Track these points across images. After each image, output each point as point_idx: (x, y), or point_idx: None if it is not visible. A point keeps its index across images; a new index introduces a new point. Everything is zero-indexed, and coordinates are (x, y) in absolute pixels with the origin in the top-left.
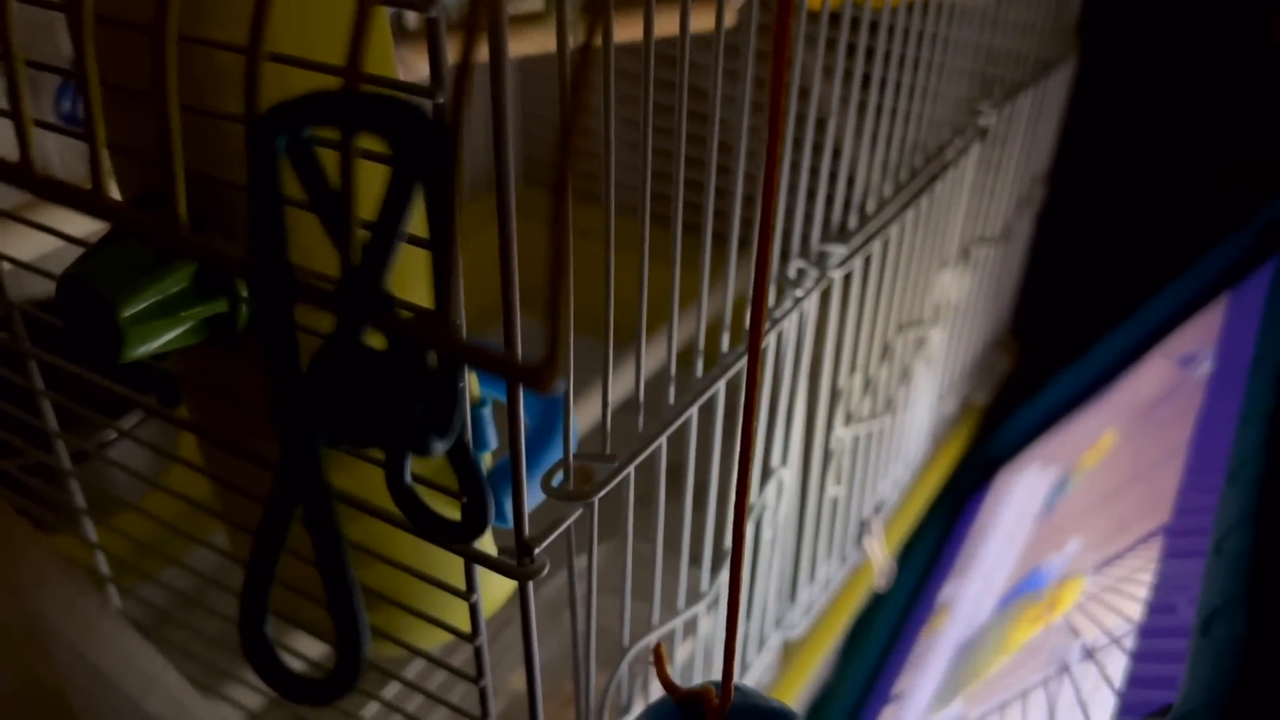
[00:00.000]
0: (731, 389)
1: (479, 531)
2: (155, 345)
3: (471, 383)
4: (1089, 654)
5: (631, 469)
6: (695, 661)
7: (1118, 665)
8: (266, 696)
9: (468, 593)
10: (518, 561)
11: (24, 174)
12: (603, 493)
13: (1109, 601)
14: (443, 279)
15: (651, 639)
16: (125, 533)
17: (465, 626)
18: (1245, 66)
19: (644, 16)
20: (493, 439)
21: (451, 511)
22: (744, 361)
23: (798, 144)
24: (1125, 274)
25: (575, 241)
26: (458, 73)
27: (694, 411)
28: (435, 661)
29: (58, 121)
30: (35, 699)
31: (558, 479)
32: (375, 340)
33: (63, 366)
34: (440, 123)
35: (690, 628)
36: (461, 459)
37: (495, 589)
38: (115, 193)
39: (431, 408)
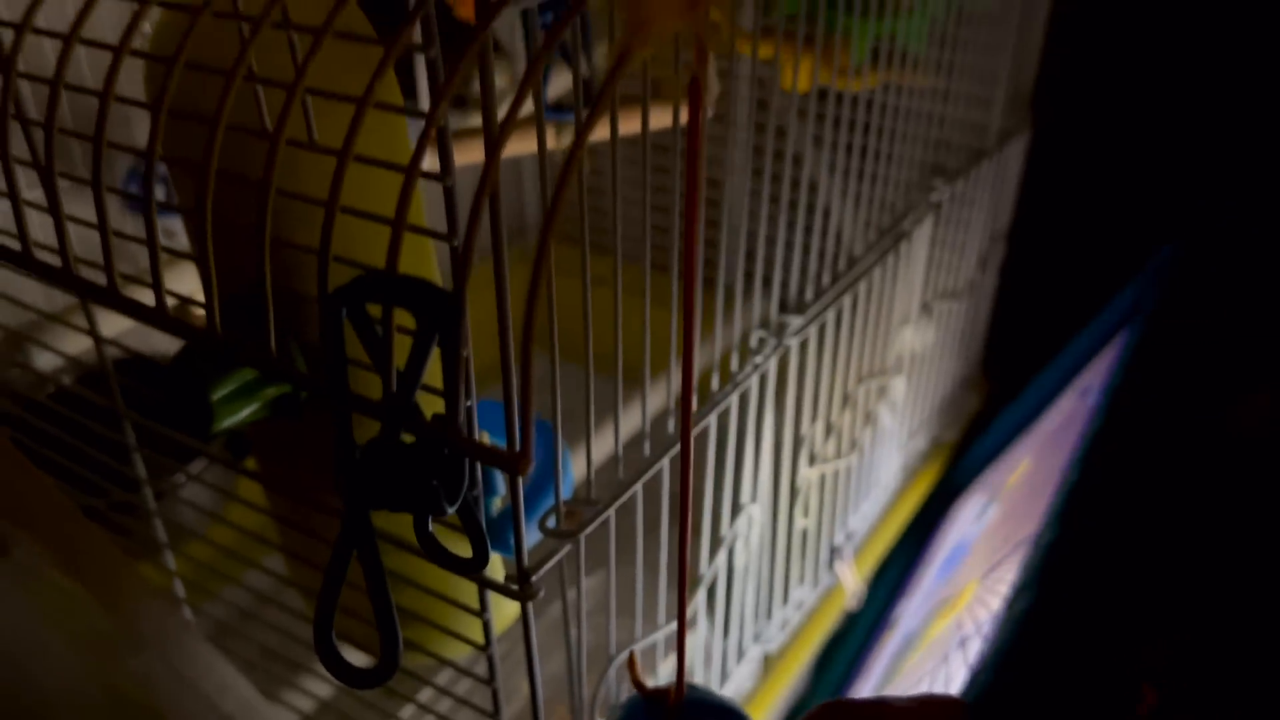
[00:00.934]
0: (701, 440)
1: (480, 567)
2: (237, 420)
3: (484, 439)
4: (962, 643)
5: (611, 511)
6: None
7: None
8: (317, 700)
9: (480, 611)
10: (520, 587)
11: (157, 314)
12: (587, 531)
13: (985, 599)
14: (452, 399)
15: (637, 648)
16: (193, 558)
17: (481, 640)
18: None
19: (641, 114)
20: (501, 486)
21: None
22: (711, 418)
23: (774, 218)
24: (1085, 316)
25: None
26: (460, 267)
27: (665, 462)
28: (458, 669)
29: (123, 203)
30: (127, 701)
31: (551, 520)
32: (407, 437)
33: (140, 422)
34: (450, 301)
35: (673, 641)
36: (467, 516)
37: (506, 610)
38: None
39: (444, 484)
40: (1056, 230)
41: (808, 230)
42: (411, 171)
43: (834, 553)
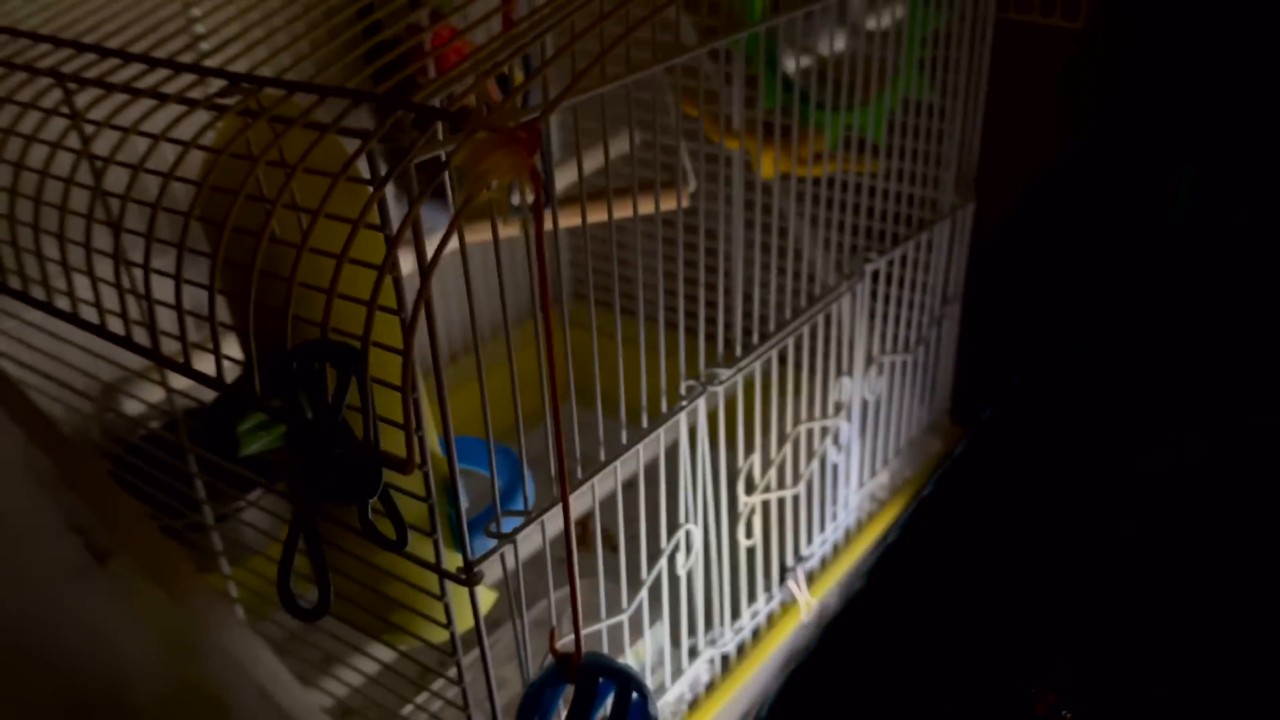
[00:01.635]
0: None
1: (401, 546)
2: (258, 446)
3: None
4: None
5: (542, 519)
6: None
7: None
8: (350, 688)
9: (440, 595)
10: (466, 574)
11: (216, 383)
12: (521, 534)
13: None
14: (369, 428)
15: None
16: (257, 572)
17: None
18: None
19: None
20: (464, 499)
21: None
22: (639, 448)
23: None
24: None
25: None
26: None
27: (594, 481)
28: (433, 646)
29: None
30: (195, 690)
31: (493, 527)
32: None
33: (209, 458)
34: (357, 357)
35: (616, 632)
36: (388, 505)
37: (485, 601)
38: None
39: (364, 483)
40: (1011, 293)
41: (747, 296)
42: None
43: (785, 572)
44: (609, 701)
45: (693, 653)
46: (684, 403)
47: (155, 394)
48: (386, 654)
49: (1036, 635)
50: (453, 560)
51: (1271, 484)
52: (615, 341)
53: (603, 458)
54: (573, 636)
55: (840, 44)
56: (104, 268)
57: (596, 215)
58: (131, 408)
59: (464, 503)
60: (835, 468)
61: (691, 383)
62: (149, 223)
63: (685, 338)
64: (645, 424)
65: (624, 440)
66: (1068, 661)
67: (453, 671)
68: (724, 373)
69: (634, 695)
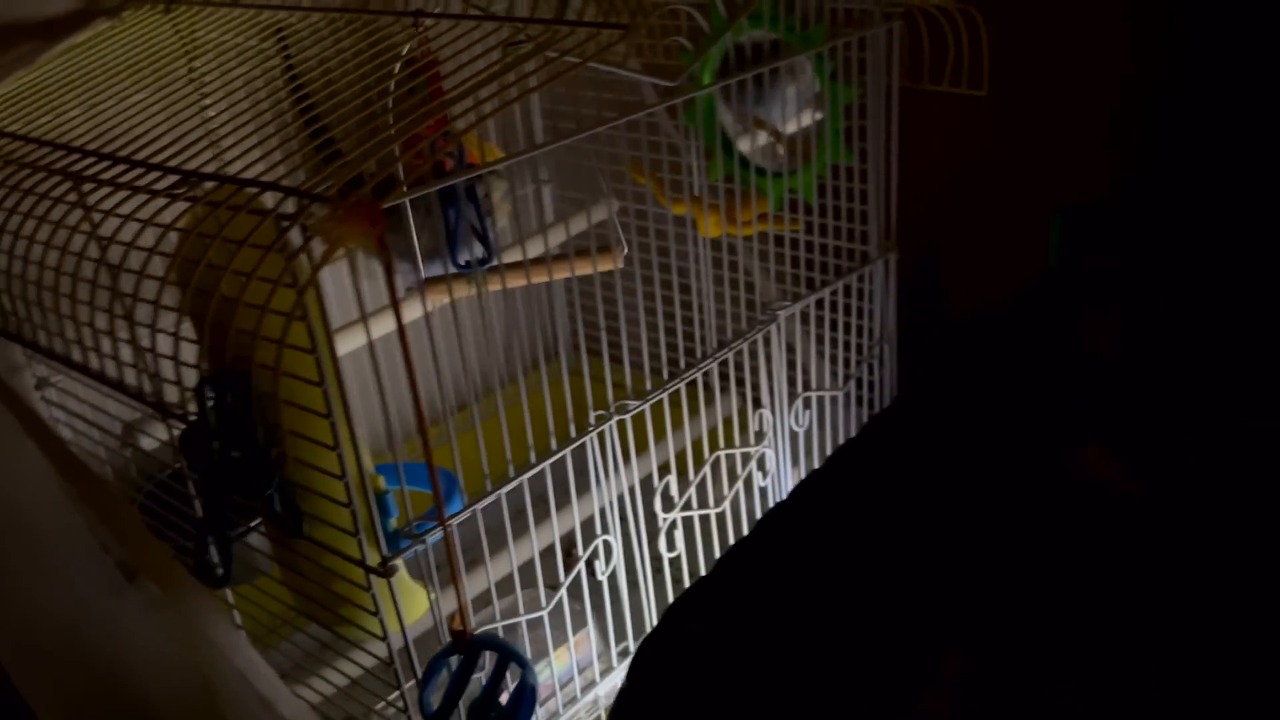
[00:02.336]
0: (539, 482)
1: (297, 532)
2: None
3: (379, 480)
4: None
5: (454, 525)
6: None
7: None
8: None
9: (368, 587)
10: (383, 567)
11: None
12: (434, 539)
13: None
14: (252, 434)
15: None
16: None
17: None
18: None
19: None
20: (394, 510)
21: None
22: (543, 467)
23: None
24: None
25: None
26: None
27: (501, 494)
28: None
29: None
30: (203, 686)
31: (407, 529)
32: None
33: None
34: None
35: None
36: (287, 502)
37: (418, 602)
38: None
39: (259, 479)
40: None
41: (669, 332)
42: (290, 317)
43: None
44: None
45: (624, 653)
46: (591, 430)
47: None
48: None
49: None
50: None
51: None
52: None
53: (511, 474)
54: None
55: (804, 117)
56: (102, 323)
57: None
58: (149, 444)
59: (394, 513)
60: (764, 491)
61: (601, 412)
62: (147, 288)
63: (610, 371)
64: (554, 447)
65: (532, 459)
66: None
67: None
68: (633, 404)
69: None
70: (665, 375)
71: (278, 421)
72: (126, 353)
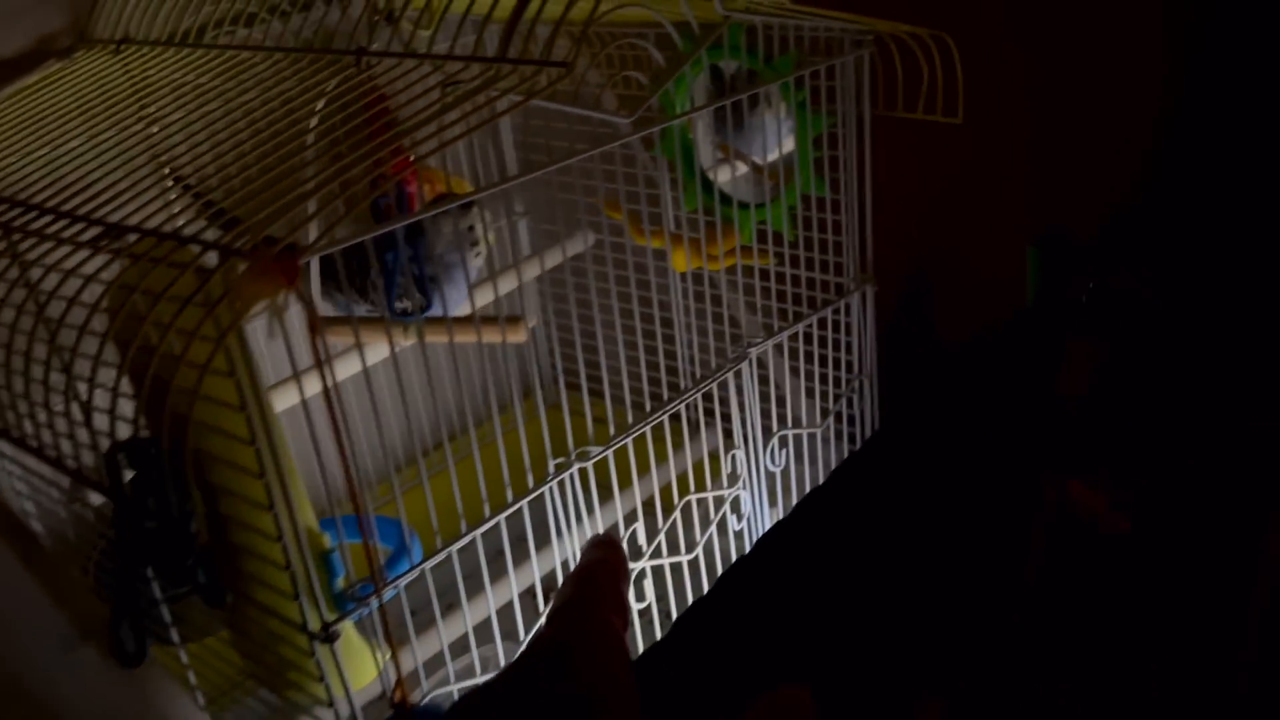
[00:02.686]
0: (497, 535)
1: (220, 603)
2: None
3: (324, 539)
4: None
5: (401, 585)
6: None
7: None
8: None
9: (311, 654)
10: (324, 632)
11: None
12: (382, 600)
13: None
14: (170, 505)
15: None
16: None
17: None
18: None
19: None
20: (340, 568)
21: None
22: (500, 520)
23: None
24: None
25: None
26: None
27: (453, 551)
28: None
29: None
30: None
31: (352, 590)
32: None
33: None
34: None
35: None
36: (209, 571)
37: (370, 664)
38: None
39: (175, 553)
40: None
41: (633, 375)
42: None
43: None
44: None
45: None
46: (550, 479)
47: None
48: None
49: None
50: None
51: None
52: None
53: (463, 529)
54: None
55: (776, 147)
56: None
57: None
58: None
59: (340, 572)
60: (738, 535)
61: (561, 459)
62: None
63: (570, 416)
64: (510, 499)
65: (486, 514)
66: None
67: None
68: (594, 450)
69: None
70: (648, 408)
71: (197, 488)
72: (52, 416)
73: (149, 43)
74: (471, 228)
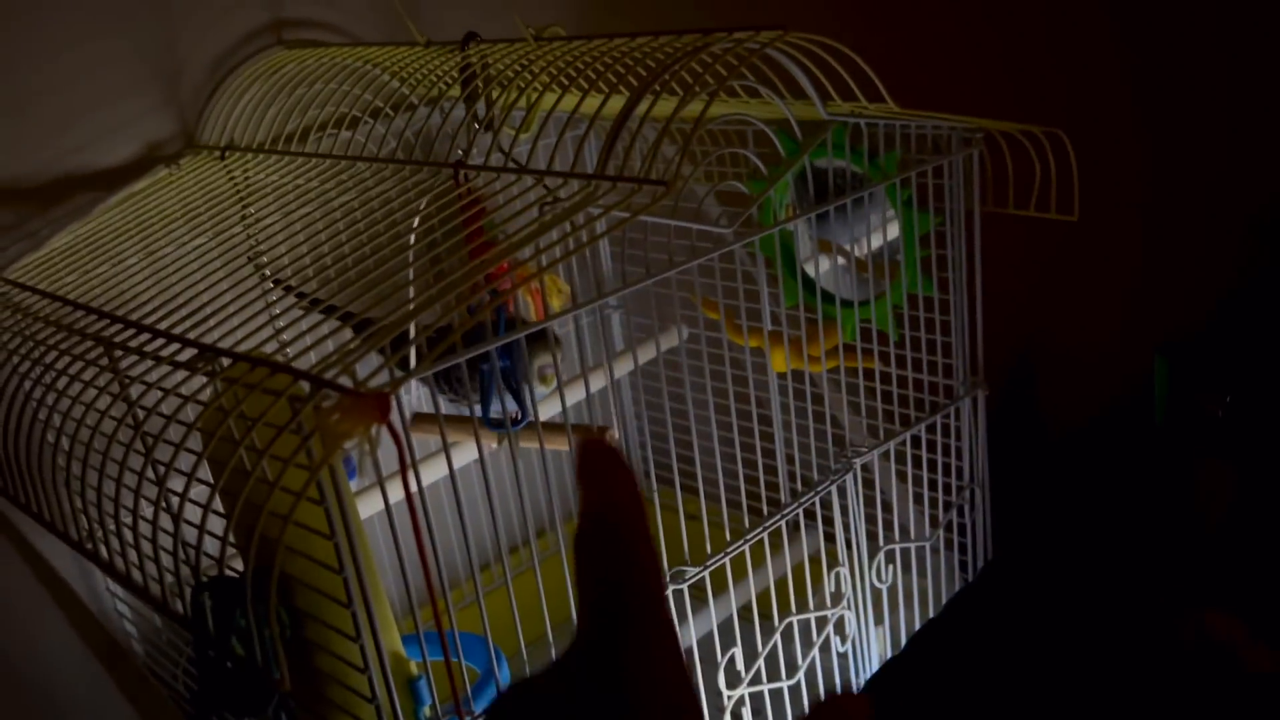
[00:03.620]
0: None
1: None
2: None
3: (410, 665)
4: None
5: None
6: None
7: None
8: None
9: None
10: None
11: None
12: None
13: None
14: (255, 651)
15: None
16: None
17: None
18: None
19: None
20: (426, 696)
21: None
22: None
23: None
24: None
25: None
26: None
27: None
28: None
29: None
30: None
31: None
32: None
33: None
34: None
35: None
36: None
37: None
38: None
39: (254, 699)
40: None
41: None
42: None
43: None
44: None
45: None
46: None
47: None
48: None
49: None
50: None
51: None
52: None
53: (552, 645)
54: None
55: (881, 244)
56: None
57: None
58: None
59: (426, 700)
60: (842, 657)
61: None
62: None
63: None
64: None
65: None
66: None
67: None
68: (690, 570)
69: None
70: (746, 523)
71: (285, 612)
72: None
73: (253, 149)
74: (544, 367)
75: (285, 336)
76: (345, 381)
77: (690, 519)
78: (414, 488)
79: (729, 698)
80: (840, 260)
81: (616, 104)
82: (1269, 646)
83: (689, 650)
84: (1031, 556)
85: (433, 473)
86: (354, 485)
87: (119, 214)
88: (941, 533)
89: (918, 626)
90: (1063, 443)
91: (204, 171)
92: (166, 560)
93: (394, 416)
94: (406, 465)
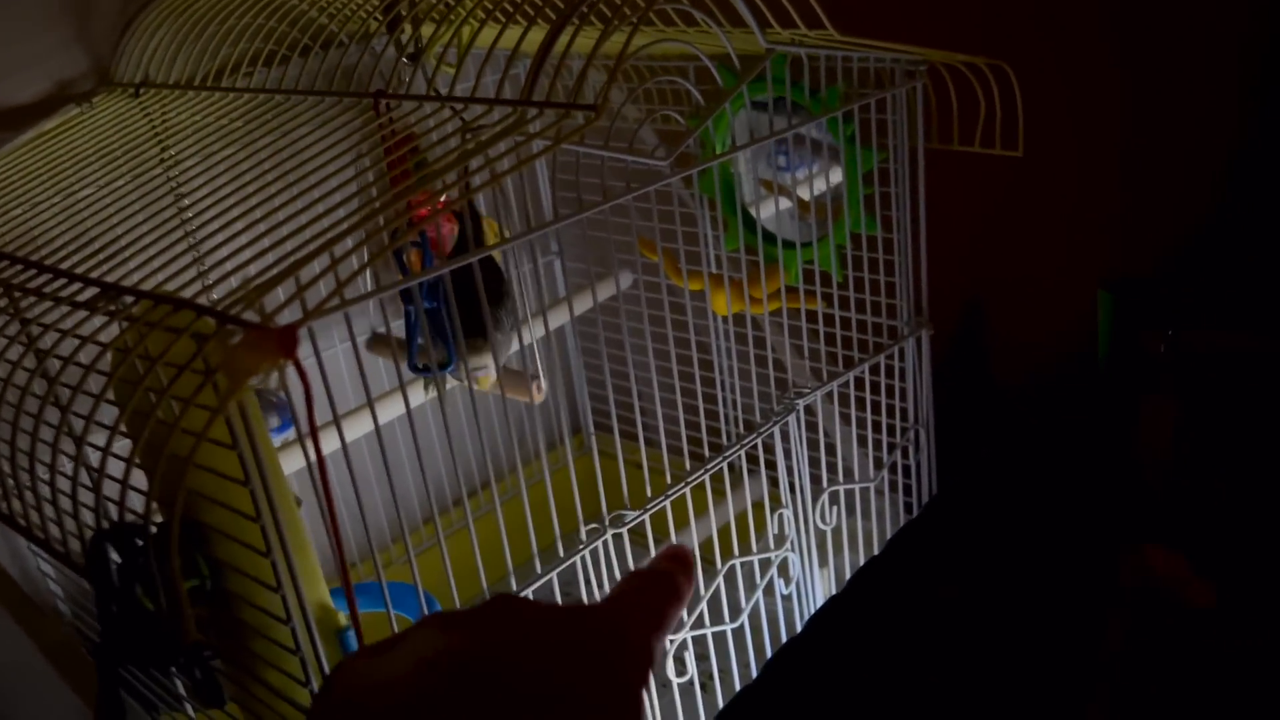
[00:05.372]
0: None
1: (219, 704)
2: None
3: (338, 616)
4: None
5: None
6: None
7: None
8: None
9: None
10: None
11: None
12: None
13: None
14: (160, 601)
15: None
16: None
17: None
18: None
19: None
20: (354, 646)
21: None
22: (528, 592)
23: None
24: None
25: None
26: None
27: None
28: None
29: None
30: None
31: None
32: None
33: None
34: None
35: None
36: (203, 669)
37: None
38: None
39: (162, 651)
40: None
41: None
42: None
43: None
44: None
45: None
46: (582, 547)
47: None
48: None
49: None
50: None
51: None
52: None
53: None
54: None
55: (824, 183)
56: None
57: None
58: None
59: (354, 649)
60: (787, 600)
61: (594, 525)
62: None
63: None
64: (538, 566)
65: (513, 586)
66: None
67: None
68: (630, 514)
69: None
70: (687, 466)
71: (205, 564)
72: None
73: (169, 85)
74: (479, 370)
75: (201, 266)
76: (251, 317)
77: (633, 467)
78: (318, 423)
79: (671, 641)
80: (786, 202)
81: (541, 35)
82: (1209, 582)
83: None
84: (974, 493)
85: (357, 428)
86: (289, 436)
87: (28, 154)
88: (886, 474)
89: None
90: (1009, 383)
91: (118, 110)
92: (69, 510)
93: (303, 353)
94: (311, 401)
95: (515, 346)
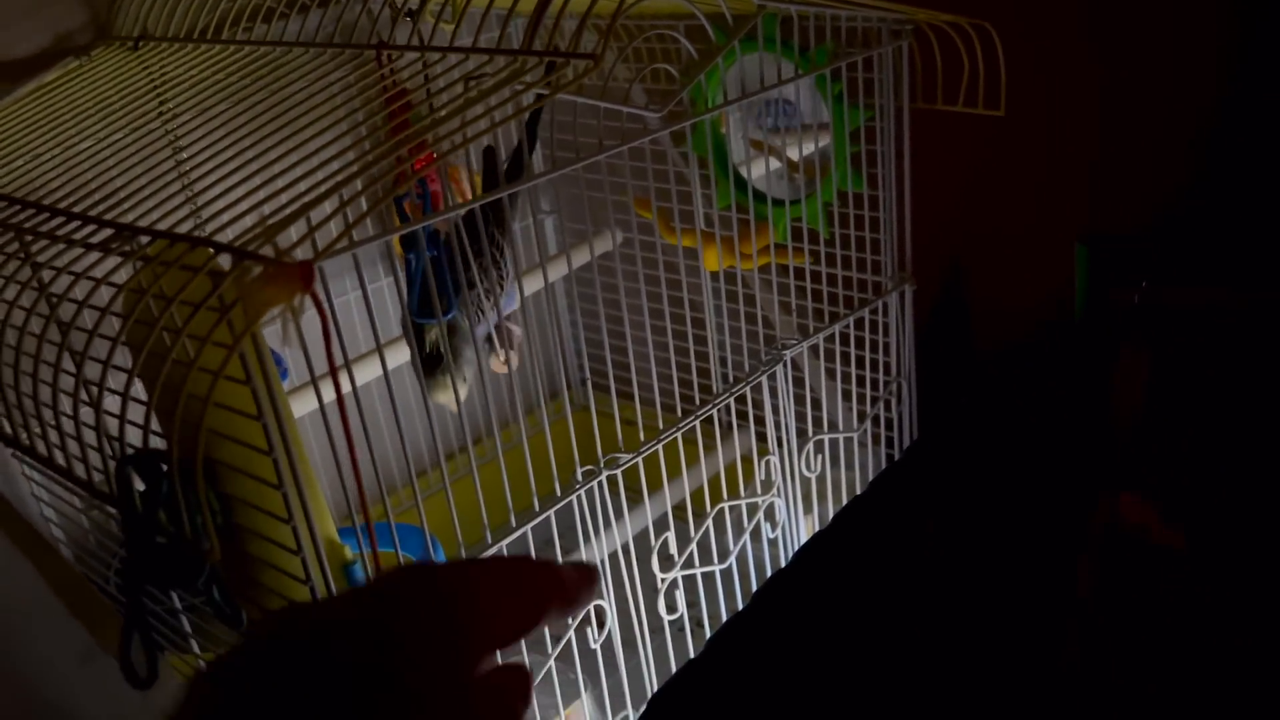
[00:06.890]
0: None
1: (235, 623)
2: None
3: (345, 550)
4: None
5: None
6: None
7: None
8: None
9: None
10: None
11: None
12: None
13: None
14: (185, 522)
15: None
16: None
17: None
18: None
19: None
20: (361, 582)
21: None
22: (527, 530)
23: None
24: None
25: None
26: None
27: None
28: None
29: None
30: None
31: None
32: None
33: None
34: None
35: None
36: (221, 589)
37: None
38: None
39: (185, 571)
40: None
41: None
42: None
43: None
44: None
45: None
46: (577, 487)
47: None
48: None
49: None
50: None
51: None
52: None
53: (487, 538)
54: None
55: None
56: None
57: None
58: None
59: (361, 584)
60: (773, 544)
61: (589, 467)
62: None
63: (599, 418)
64: (537, 508)
65: (511, 521)
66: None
67: None
68: (623, 457)
69: None
70: (679, 412)
71: (215, 498)
72: (62, 424)
73: (167, 39)
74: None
75: (205, 214)
76: (268, 252)
77: (627, 424)
78: (339, 360)
79: (663, 580)
80: (774, 160)
81: None
82: (1177, 527)
83: (625, 546)
84: (953, 438)
85: (366, 374)
86: (285, 386)
87: (28, 106)
88: (869, 426)
89: None
90: (989, 336)
91: (117, 63)
92: (91, 449)
93: (318, 287)
94: (330, 336)
95: (516, 303)
